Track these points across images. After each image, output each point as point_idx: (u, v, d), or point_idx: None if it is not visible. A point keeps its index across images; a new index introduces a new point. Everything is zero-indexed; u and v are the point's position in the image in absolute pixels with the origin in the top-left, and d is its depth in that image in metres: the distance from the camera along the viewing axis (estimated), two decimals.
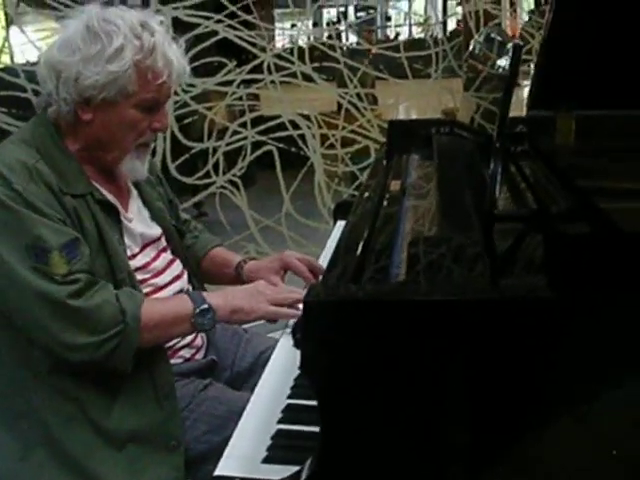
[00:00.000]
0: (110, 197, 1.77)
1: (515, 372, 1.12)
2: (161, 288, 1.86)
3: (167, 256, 1.93)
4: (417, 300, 1.11)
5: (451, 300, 1.11)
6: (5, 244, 1.57)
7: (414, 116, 5.07)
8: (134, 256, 1.81)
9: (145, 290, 1.79)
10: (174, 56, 1.70)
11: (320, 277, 1.99)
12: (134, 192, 1.89)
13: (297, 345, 1.30)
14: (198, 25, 3.67)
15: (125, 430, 1.68)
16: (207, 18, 3.66)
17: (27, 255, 1.56)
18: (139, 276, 1.79)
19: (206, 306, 1.70)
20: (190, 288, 1.96)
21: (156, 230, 1.91)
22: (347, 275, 1.29)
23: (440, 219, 1.50)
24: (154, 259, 1.87)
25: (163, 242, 1.93)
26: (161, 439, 1.71)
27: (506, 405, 1.13)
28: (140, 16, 1.70)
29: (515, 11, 5.48)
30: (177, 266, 1.94)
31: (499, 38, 1.80)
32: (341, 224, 2.49)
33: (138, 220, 1.86)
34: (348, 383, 1.14)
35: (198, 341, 1.93)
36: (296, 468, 1.24)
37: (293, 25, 7.35)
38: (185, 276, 1.96)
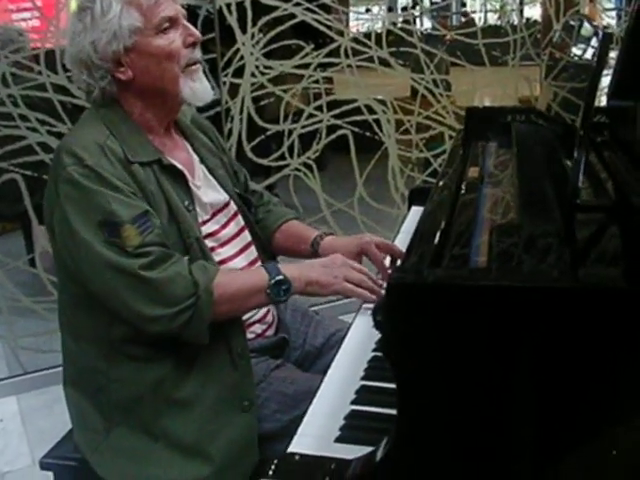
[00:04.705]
0: (177, 164, 1.79)
1: (589, 362, 1.11)
2: (230, 258, 1.88)
3: (236, 224, 1.93)
4: (499, 285, 1.11)
5: (532, 287, 1.10)
6: (80, 221, 1.62)
7: (489, 103, 5.00)
8: (204, 223, 1.83)
9: (215, 259, 1.80)
10: None
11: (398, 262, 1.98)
12: (196, 159, 1.91)
13: (377, 327, 1.30)
14: (277, 8, 3.69)
15: (200, 395, 1.72)
16: (286, 1, 3.68)
17: (100, 231, 1.61)
18: (208, 244, 1.81)
19: (281, 277, 1.70)
20: (259, 260, 1.97)
21: (224, 196, 1.92)
22: (425, 260, 1.28)
23: (520, 207, 1.49)
24: (223, 226, 1.89)
25: (232, 208, 1.94)
26: (235, 400, 1.74)
27: (577, 398, 1.12)
28: None
29: None
30: (245, 236, 1.95)
31: (587, 26, 1.77)
32: (415, 210, 2.49)
33: (206, 186, 1.87)
34: (428, 366, 1.14)
35: (269, 317, 1.95)
36: (369, 448, 1.25)
37: (367, 10, 7.32)
38: (253, 247, 1.97)
